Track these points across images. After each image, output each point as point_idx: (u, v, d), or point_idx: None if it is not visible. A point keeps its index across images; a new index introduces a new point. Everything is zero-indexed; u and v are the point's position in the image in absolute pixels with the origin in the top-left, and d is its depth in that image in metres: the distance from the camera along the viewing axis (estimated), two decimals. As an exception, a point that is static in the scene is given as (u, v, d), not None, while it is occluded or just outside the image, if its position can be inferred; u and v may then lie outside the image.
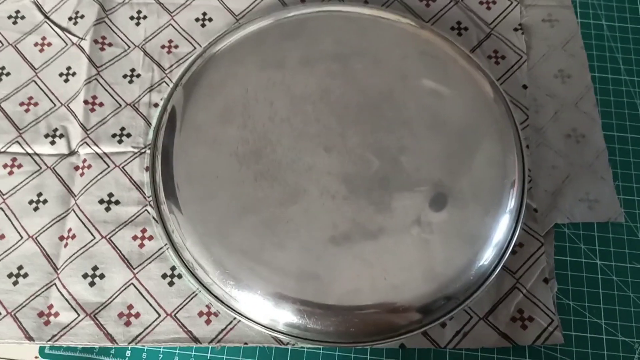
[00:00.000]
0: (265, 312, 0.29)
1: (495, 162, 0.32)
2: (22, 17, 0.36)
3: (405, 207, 0.30)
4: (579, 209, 0.32)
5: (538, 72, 0.35)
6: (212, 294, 0.29)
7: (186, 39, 0.36)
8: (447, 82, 0.33)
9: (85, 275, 0.30)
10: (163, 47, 0.36)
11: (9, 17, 0.36)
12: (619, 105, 0.35)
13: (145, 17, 0.36)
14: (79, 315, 0.29)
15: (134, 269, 0.30)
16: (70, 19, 0.36)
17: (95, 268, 0.30)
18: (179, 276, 0.30)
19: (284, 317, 0.29)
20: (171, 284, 0.30)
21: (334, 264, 0.29)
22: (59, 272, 0.30)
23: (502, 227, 0.30)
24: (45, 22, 0.36)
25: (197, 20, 0.36)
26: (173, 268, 0.31)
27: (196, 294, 0.30)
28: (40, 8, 0.37)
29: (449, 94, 0.33)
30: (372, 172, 0.31)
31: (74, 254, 0.30)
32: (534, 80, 0.35)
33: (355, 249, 0.29)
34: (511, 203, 0.31)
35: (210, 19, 0.36)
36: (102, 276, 0.30)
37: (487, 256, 0.30)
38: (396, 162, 0.31)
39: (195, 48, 0.36)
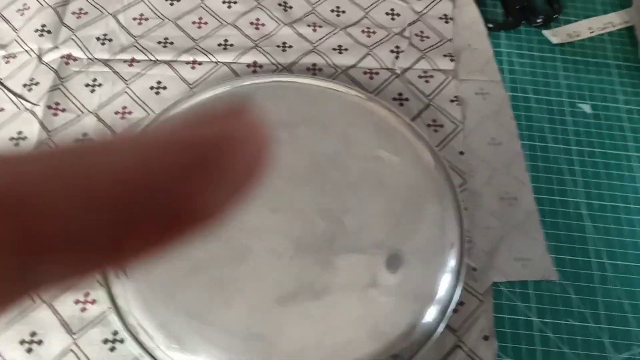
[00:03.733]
0: (209, 375, 0.30)
1: (436, 223, 0.35)
2: (-24, 83, 0.39)
3: (350, 267, 0.33)
4: (514, 267, 0.35)
5: (473, 140, 0.40)
6: (155, 359, 0.30)
7: (140, 105, 0.39)
8: (390, 148, 0.37)
9: (22, 342, 0.30)
10: (117, 113, 0.38)
11: (-37, 82, 0.39)
12: (547, 170, 0.39)
13: (100, 85, 0.39)
14: (13, 384, 0.29)
15: (74, 334, 0.31)
16: (25, 85, 0.39)
17: (33, 334, 0.31)
18: (122, 341, 0.31)
19: (228, 380, 0.30)
20: (113, 349, 0.31)
21: (280, 324, 0.31)
22: (-6, 338, 0.31)
23: (444, 286, 0.33)
24: (0, 88, 0.38)
25: (151, 88, 0.39)
26: (115, 333, 0.31)
27: None
28: (-6, 74, 0.39)
29: (391, 159, 0.37)
30: (318, 233, 0.33)
31: (12, 319, 0.31)
32: (469, 147, 0.39)
33: (301, 308, 0.31)
34: (452, 262, 0.34)
35: (164, 87, 0.40)
36: (40, 342, 0.31)
37: (431, 314, 0.32)
38: (341, 224, 0.34)
39: (148, 114, 0.38)
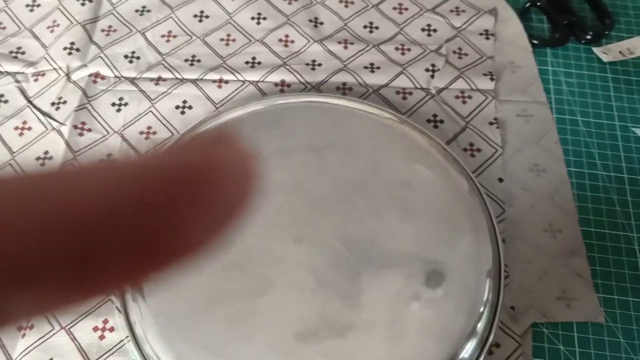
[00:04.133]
0: (225, 414, 0.29)
1: (470, 256, 0.33)
2: (6, 102, 0.39)
3: (375, 302, 0.31)
4: (557, 307, 0.33)
5: (513, 166, 0.37)
6: (171, 392, 0.29)
7: (165, 125, 0.39)
8: (421, 174, 0.35)
9: (39, 369, 0.30)
10: (141, 133, 0.38)
11: (-7, 101, 0.39)
12: (596, 201, 0.37)
13: (126, 104, 0.39)
14: (28, 413, 0.29)
15: (92, 363, 0.31)
16: (52, 104, 0.39)
17: (51, 361, 0.31)
18: (138, 372, 0.31)
19: (244, 420, 0.29)
20: (129, 380, 0.30)
21: (299, 363, 0.29)
22: (13, 364, 0.31)
23: (477, 325, 0.31)
24: (28, 106, 0.39)
25: (177, 107, 0.39)
26: (132, 363, 0.31)
27: (154, 392, 0.30)
28: (24, 93, 0.40)
29: (423, 186, 0.35)
30: (342, 265, 0.32)
31: (30, 346, 0.31)
32: (509, 173, 0.37)
33: (321, 346, 0.30)
34: (487, 299, 0.32)
35: (190, 107, 0.39)
36: (57, 370, 0.31)
37: (462, 356, 0.30)
38: (367, 255, 0.32)
39: (173, 134, 0.38)
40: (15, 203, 0.08)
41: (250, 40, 0.42)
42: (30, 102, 0.39)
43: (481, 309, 0.31)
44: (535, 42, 0.42)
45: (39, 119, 0.39)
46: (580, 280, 0.34)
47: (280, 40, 0.42)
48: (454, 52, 0.42)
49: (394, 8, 0.44)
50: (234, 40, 0.42)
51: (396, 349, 0.30)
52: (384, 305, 0.31)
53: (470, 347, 0.30)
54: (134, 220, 0.09)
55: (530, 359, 0.32)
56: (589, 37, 0.42)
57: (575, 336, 0.33)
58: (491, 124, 0.39)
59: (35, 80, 0.40)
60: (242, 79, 0.40)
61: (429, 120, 0.39)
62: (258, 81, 0.40)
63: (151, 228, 0.09)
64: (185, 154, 0.10)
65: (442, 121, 0.39)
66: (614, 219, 0.36)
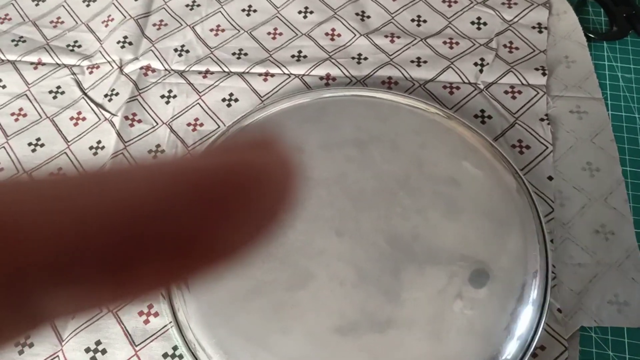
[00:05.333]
0: (263, 401, 0.30)
1: (516, 255, 0.33)
2: (62, 93, 0.42)
3: (416, 299, 0.31)
4: (608, 311, 0.32)
5: (565, 164, 0.37)
6: (212, 378, 0.31)
7: (211, 117, 0.40)
8: (467, 170, 0.35)
9: (87, 350, 0.32)
10: (189, 124, 0.40)
11: (50, 92, 0.42)
12: (653, 202, 0.35)
13: (175, 96, 0.41)
14: (77, 390, 0.31)
15: (136, 346, 0.32)
16: (105, 95, 0.41)
17: (98, 342, 0.32)
18: (180, 356, 0.32)
19: (282, 408, 0.29)
20: (172, 364, 0.32)
21: (338, 356, 0.30)
22: (63, 344, 0.33)
23: (522, 326, 0.31)
24: (83, 98, 0.41)
25: (223, 100, 0.40)
26: (175, 347, 0.32)
27: (196, 377, 0.31)
28: (79, 85, 0.42)
29: (468, 183, 0.35)
30: (384, 260, 0.32)
31: (80, 326, 0.33)
32: (560, 172, 0.36)
33: (361, 340, 0.30)
34: (533, 300, 0.31)
35: (236, 100, 0.40)
36: (104, 351, 0.32)
37: (505, 357, 0.30)
38: (409, 251, 0.33)
39: (219, 127, 0.39)
40: (63, 203, 0.09)
41: (297, 34, 0.43)
42: (85, 93, 0.41)
43: (526, 310, 0.31)
44: (591, 35, 0.41)
45: (92, 109, 0.41)
46: (634, 285, 0.33)
47: (327, 34, 0.43)
48: (505, 46, 0.41)
49: (443, 1, 0.44)
50: (280, 34, 0.43)
51: (437, 347, 0.30)
52: (426, 302, 0.31)
53: (513, 348, 0.30)
54: (178, 221, 0.09)
55: (578, 364, 0.31)
56: (650, 30, 0.41)
57: (626, 342, 0.32)
58: (542, 120, 0.38)
59: (90, 72, 0.42)
60: (288, 73, 0.41)
61: (476, 116, 0.39)
62: (303, 75, 0.41)
63: (193, 230, 0.09)
64: (229, 156, 0.10)
65: (490, 117, 0.39)
66: (673, 222, 0.35)
